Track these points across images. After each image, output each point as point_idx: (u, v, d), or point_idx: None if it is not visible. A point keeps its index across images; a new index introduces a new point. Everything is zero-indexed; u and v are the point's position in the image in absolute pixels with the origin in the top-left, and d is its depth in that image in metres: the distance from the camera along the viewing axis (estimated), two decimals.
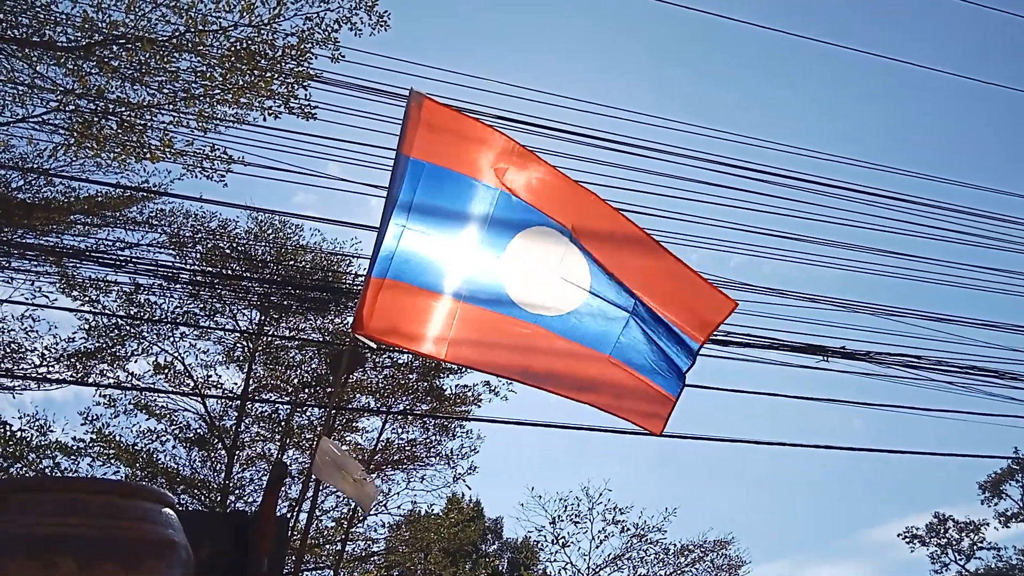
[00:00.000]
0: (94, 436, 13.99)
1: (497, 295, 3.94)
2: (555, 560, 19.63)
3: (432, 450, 16.54)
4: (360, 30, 8.51)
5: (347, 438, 16.18)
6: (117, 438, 14.15)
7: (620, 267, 3.91)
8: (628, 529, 19.37)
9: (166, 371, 14.61)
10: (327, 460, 3.38)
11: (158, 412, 14.70)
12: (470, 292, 3.94)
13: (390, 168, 3.90)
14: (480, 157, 3.91)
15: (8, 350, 12.65)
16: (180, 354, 14.77)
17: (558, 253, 3.94)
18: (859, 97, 48.61)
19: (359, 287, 3.87)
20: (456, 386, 16.15)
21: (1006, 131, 48.12)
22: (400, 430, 16.37)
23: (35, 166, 10.63)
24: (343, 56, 8.37)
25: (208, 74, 8.30)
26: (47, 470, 12.56)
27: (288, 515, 14.25)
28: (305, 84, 8.34)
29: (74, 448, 13.44)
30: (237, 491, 14.87)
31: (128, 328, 13.97)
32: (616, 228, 3.96)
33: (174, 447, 14.88)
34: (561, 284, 3.95)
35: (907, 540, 30.30)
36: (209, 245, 14.09)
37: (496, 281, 3.95)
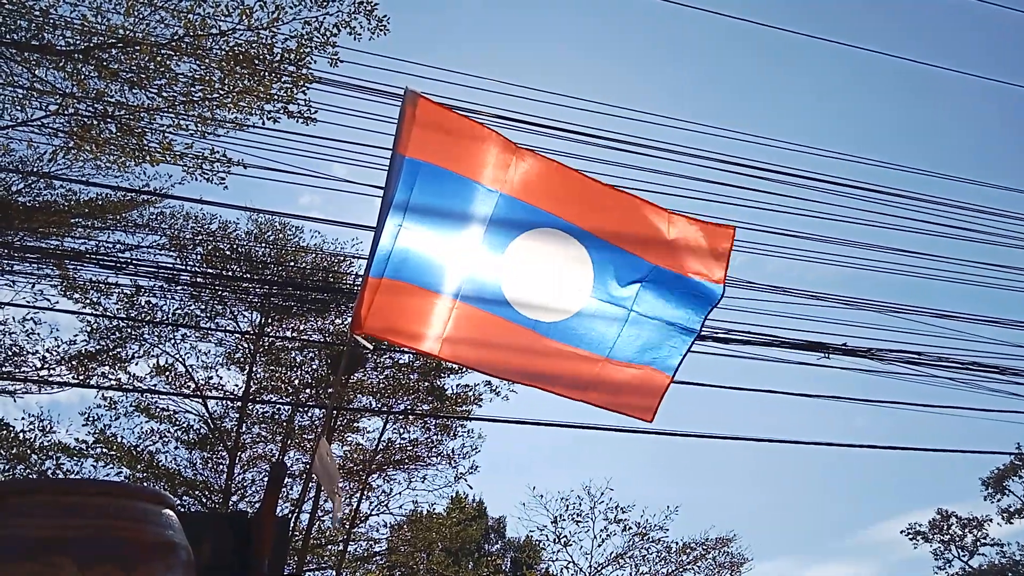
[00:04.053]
0: (96, 437, 14.05)
1: (494, 296, 3.95)
2: (557, 559, 19.69)
3: (433, 450, 16.58)
4: (359, 34, 8.53)
5: (348, 438, 16.22)
6: (119, 439, 14.21)
7: (631, 243, 4.02)
8: (630, 528, 19.41)
9: (167, 373, 14.66)
10: (327, 462, 3.39)
11: (159, 414, 14.76)
12: (467, 292, 3.95)
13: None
14: (478, 158, 3.89)
15: (10, 353, 12.69)
16: (181, 356, 14.83)
17: (561, 255, 3.97)
18: (868, 95, 48.63)
19: (359, 287, 3.86)
20: (457, 386, 16.21)
21: (1014, 128, 48.10)
22: (401, 430, 16.42)
23: (35, 169, 10.67)
24: (341, 60, 8.38)
25: (207, 78, 8.32)
26: (50, 471, 12.60)
27: (290, 515, 14.28)
28: (304, 88, 8.35)
29: (76, 449, 13.49)
30: (239, 492, 14.91)
31: (129, 330, 14.02)
32: (617, 206, 4.06)
33: (176, 448, 14.95)
34: (562, 288, 3.99)
35: (910, 537, 30.31)
36: (210, 247, 14.12)
37: (494, 282, 3.95)
